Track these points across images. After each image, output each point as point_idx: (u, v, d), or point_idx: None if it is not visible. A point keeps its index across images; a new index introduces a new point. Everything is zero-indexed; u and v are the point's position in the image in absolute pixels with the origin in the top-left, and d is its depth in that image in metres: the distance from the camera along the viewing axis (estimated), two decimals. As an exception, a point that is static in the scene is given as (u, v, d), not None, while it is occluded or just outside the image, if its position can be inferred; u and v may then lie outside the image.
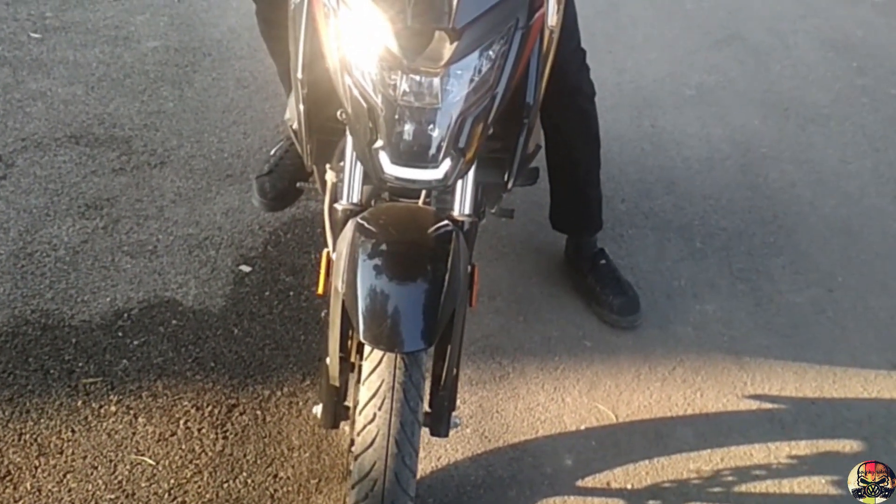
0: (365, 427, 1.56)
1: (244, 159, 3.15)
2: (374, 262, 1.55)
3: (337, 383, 1.74)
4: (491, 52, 1.55)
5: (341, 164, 1.78)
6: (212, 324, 2.54)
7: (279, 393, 2.36)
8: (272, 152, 2.70)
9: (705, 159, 3.48)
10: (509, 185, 1.79)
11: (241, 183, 3.04)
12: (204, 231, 2.82)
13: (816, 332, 2.80)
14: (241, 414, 2.30)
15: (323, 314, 1.87)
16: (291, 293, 2.64)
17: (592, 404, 2.46)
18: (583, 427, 2.40)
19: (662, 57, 4.10)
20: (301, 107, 1.74)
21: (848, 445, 2.43)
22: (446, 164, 1.55)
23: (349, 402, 1.84)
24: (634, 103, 3.70)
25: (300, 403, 2.34)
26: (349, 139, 1.69)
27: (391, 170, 1.56)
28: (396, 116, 1.52)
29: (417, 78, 1.51)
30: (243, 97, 3.48)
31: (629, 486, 2.26)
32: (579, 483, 2.26)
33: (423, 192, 1.78)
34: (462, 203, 1.74)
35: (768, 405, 2.53)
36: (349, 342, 1.74)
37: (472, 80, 1.54)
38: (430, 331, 1.51)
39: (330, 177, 1.82)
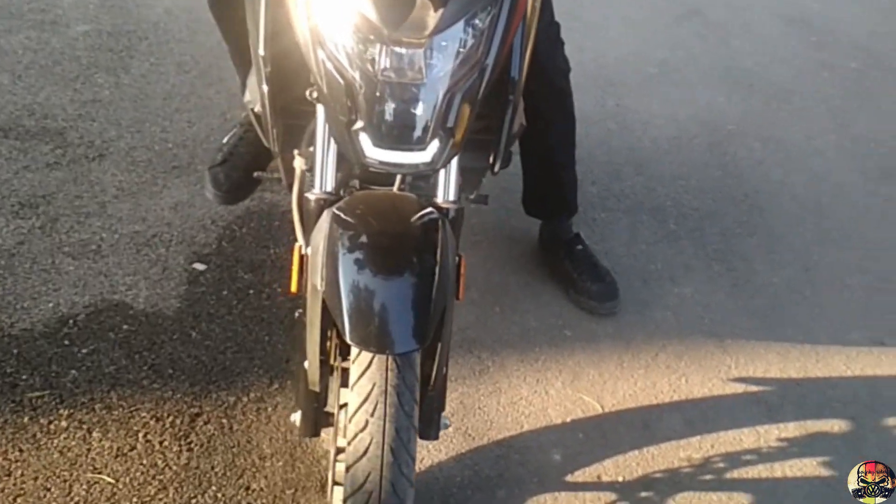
0: (357, 435, 1.42)
1: (190, 149, 2.97)
2: (357, 256, 1.41)
3: (317, 388, 1.61)
4: (478, 21, 1.40)
5: (311, 149, 1.64)
6: (167, 327, 2.37)
7: (245, 399, 2.21)
8: (225, 140, 2.53)
9: (673, 138, 3.39)
10: (496, 168, 1.66)
11: (190, 175, 2.86)
12: (152, 228, 2.65)
13: (795, 312, 2.72)
14: (205, 423, 2.14)
15: (297, 314, 1.73)
16: (251, 291, 2.49)
17: (577, 395, 2.34)
18: (569, 419, 2.28)
19: (623, 35, 4.01)
20: (264, 87, 1.57)
21: (836, 426, 2.36)
22: (434, 146, 1.41)
23: (330, 408, 1.71)
24: (598, 83, 3.59)
25: (269, 409, 2.19)
26: (320, 121, 1.54)
27: (374, 153, 1.41)
28: (377, 94, 1.37)
29: (399, 50, 1.36)
30: (185, 83, 3.29)
31: (620, 479, 2.16)
32: (569, 478, 2.14)
33: (398, 178, 1.64)
34: (446, 189, 1.60)
35: (754, 388, 2.45)
36: (328, 343, 1.59)
37: (458, 53, 1.39)
38: (422, 329, 1.38)
39: (299, 164, 1.67)
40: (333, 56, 1.39)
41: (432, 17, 1.36)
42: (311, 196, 1.56)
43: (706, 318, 2.64)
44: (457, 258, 1.56)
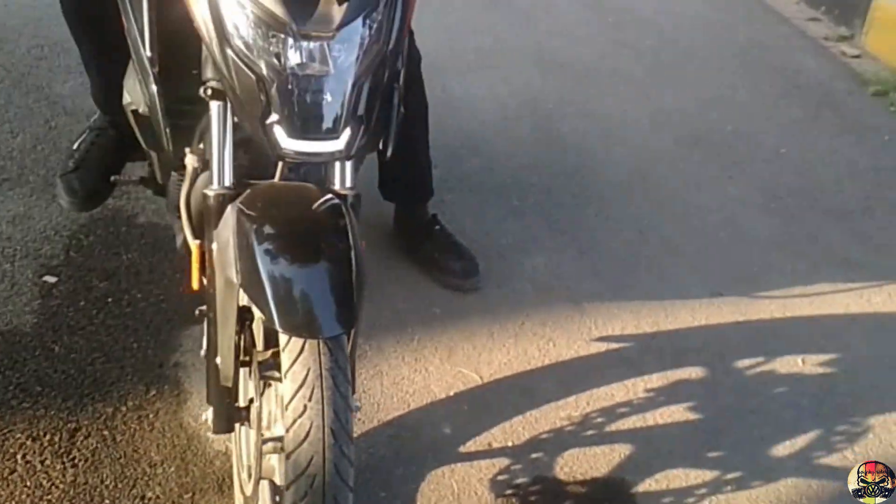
0: (295, 421, 1.41)
1: (18, 160, 2.82)
2: (272, 246, 1.41)
3: (230, 384, 1.60)
4: (377, 13, 1.45)
5: (201, 146, 1.64)
6: (26, 344, 2.25)
7: (124, 408, 2.13)
8: (75, 147, 2.41)
9: (500, 120, 3.52)
10: (388, 154, 1.69)
11: (23, 186, 2.72)
12: (-9, 244, 2.50)
13: (638, 272, 2.90)
14: (86, 437, 2.05)
15: (197, 312, 1.70)
16: (110, 299, 2.39)
17: (455, 369, 2.40)
18: (452, 393, 2.34)
19: (437, 23, 4.08)
20: (153, 88, 1.57)
21: (692, 373, 2.54)
22: (346, 134, 1.44)
23: (241, 403, 1.70)
24: (423, 71, 3.65)
25: (151, 416, 2.13)
26: (214, 118, 1.53)
27: (289, 144, 1.42)
28: (289, 87, 1.39)
29: (308, 44, 1.39)
30: (1, 92, 3.10)
31: (510, 444, 2.23)
32: (462, 449, 2.20)
33: (279, 169, 1.64)
34: (343, 176, 1.61)
35: (615, 346, 2.59)
36: (239, 338, 1.58)
37: (362, 44, 1.43)
38: (349, 311, 1.41)
39: (191, 161, 1.66)
40: (243, 52, 1.39)
41: (337, 11, 1.39)
42: (211, 192, 1.54)
43: (561, 286, 2.77)
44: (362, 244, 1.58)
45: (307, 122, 1.40)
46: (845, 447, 2.36)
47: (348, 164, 1.60)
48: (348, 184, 1.60)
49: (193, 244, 1.59)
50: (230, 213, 1.46)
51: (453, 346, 2.47)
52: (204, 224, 1.57)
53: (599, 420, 2.34)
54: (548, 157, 3.35)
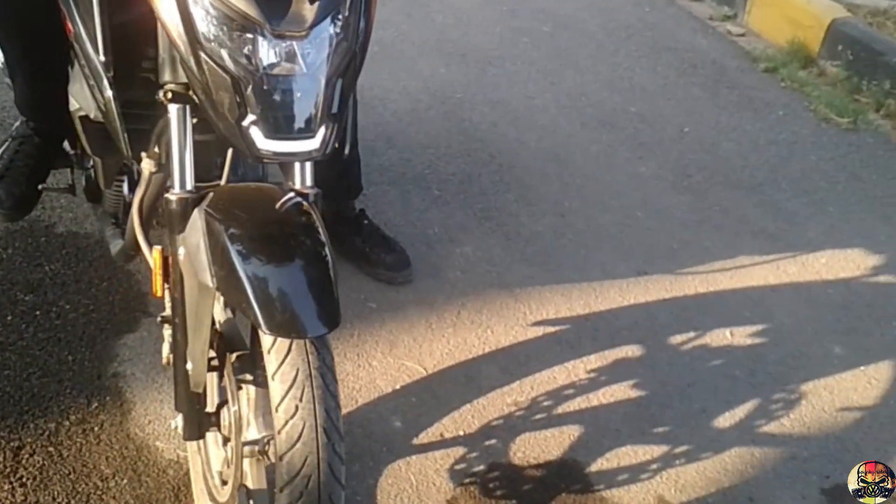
0: (287, 422, 1.37)
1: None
2: (247, 248, 1.36)
3: (201, 389, 1.56)
4: (345, 11, 1.43)
5: (156, 150, 1.58)
6: (-51, 366, 2.11)
7: (67, 423, 2.04)
8: (-2, 156, 2.29)
9: (411, 111, 3.49)
10: (346, 151, 1.66)
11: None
12: None
13: (564, 254, 2.91)
14: (31, 455, 1.94)
15: (159, 318, 1.63)
16: (38, 312, 2.27)
17: (399, 362, 2.37)
18: (398, 386, 2.31)
19: (338, 16, 4.04)
20: (109, 92, 1.51)
21: (629, 351, 2.57)
22: (321, 133, 1.41)
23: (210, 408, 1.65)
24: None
25: (97, 429, 2.04)
26: (174, 121, 1.47)
27: (266, 144, 1.38)
28: (265, 87, 1.36)
29: (283, 43, 1.36)
30: None
31: (461, 433, 2.21)
32: (415, 441, 2.17)
33: (226, 170, 1.59)
34: (304, 175, 1.56)
35: (551, 329, 2.60)
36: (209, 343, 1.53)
37: (332, 41, 1.41)
38: (332, 309, 1.37)
39: (147, 166, 1.59)
40: (216, 54, 1.35)
41: (309, 10, 1.37)
42: (172, 196, 1.49)
43: (492, 272, 2.76)
44: None
45: (283, 122, 1.38)
46: (782, 414, 2.42)
47: (308, 163, 1.55)
48: (308, 182, 1.56)
49: (154, 250, 1.55)
50: (197, 217, 1.42)
51: (394, 340, 2.43)
52: (166, 229, 1.52)
53: (546, 403, 2.34)
54: (462, 146, 3.34)
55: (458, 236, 2.88)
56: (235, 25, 1.34)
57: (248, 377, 1.55)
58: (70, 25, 1.60)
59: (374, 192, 2.97)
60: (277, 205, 1.47)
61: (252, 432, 1.57)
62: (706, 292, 2.86)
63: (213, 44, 1.35)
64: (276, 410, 1.37)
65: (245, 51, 1.35)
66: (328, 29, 1.39)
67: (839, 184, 3.54)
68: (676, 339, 2.64)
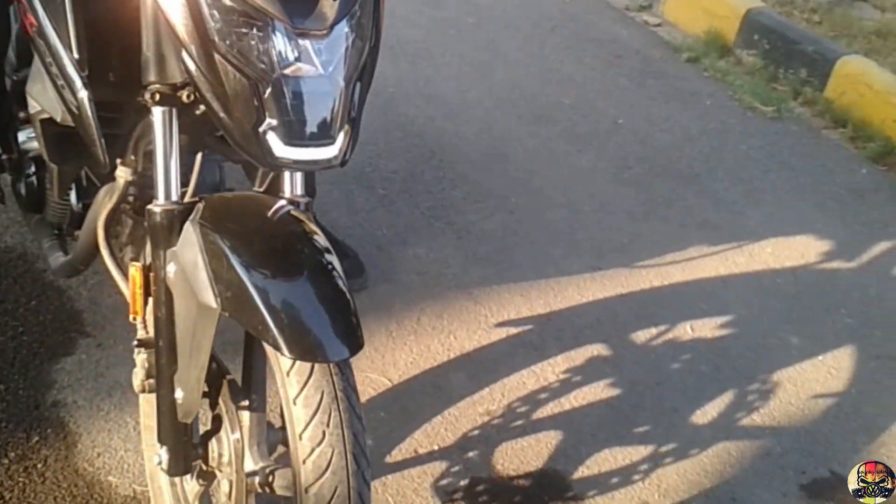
0: (314, 450, 1.26)
1: None
2: (257, 266, 1.25)
3: (190, 419, 1.42)
4: (358, 9, 1.32)
5: (132, 157, 1.45)
6: None
7: (6, 461, 1.87)
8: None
9: (345, 106, 3.34)
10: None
11: None
12: None
13: (518, 253, 2.84)
14: (-32, 502, 1.75)
15: (136, 342, 1.46)
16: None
17: (363, 375, 2.25)
18: (364, 400, 2.17)
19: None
20: (84, 93, 1.37)
21: (594, 351, 2.51)
22: (340, 139, 1.30)
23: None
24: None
25: (39, 465, 1.87)
26: (159, 127, 1.33)
27: (284, 152, 1.26)
28: (284, 90, 1.24)
29: (304, 43, 1.24)
30: None
31: (437, 447, 2.12)
32: (389, 459, 2.07)
33: (194, 179, 1.45)
34: (294, 183, 1.44)
35: (514, 330, 2.52)
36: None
37: (348, 41, 1.29)
38: (355, 329, 1.27)
39: (123, 174, 1.46)
40: (233, 54, 1.23)
41: (329, 7, 1.27)
42: (157, 208, 1.35)
43: (448, 274, 2.67)
44: None
45: (303, 128, 1.26)
46: (751, 409, 2.40)
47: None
48: (299, 190, 1.44)
49: (132, 267, 1.40)
50: (192, 231, 1.30)
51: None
52: (149, 244, 1.38)
53: (520, 410, 2.27)
54: (402, 142, 3.23)
55: (409, 237, 2.77)
56: (254, 24, 1.22)
57: (244, 403, 1.43)
58: (32, 18, 1.43)
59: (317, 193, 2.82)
60: (270, 213, 1.36)
61: (248, 463, 1.44)
62: (660, 286, 2.82)
63: (227, 42, 1.22)
64: (300, 438, 1.27)
65: (263, 51, 1.23)
66: (345, 28, 1.28)
67: (771, 172, 3.56)
68: (639, 336, 2.59)
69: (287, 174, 1.43)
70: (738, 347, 2.60)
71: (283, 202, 1.39)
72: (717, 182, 3.41)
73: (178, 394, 1.39)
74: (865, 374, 2.56)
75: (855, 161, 3.75)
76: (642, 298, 2.75)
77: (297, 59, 1.24)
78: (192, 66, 1.23)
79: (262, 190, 1.73)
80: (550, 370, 2.40)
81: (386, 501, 1.96)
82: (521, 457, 2.13)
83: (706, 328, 2.66)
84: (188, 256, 1.29)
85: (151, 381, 1.46)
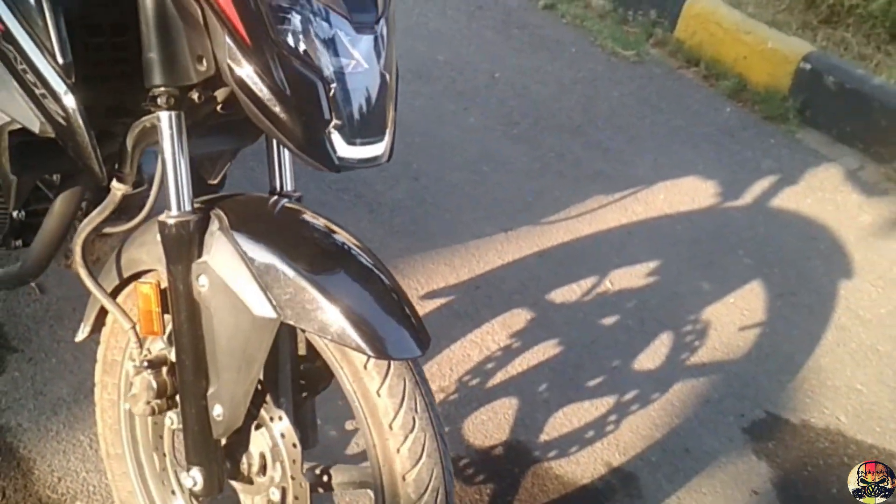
0: (408, 437, 1.26)
1: None
2: (315, 271, 1.21)
3: (227, 434, 1.36)
4: (392, 1, 1.28)
5: (128, 167, 1.33)
6: None
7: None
8: None
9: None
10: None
11: None
12: None
13: (431, 221, 2.82)
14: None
15: (145, 363, 1.35)
16: None
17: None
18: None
19: None
20: (71, 99, 1.25)
21: (527, 315, 2.52)
22: (388, 136, 1.26)
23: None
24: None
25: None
26: (167, 132, 1.24)
27: (347, 151, 1.21)
28: (347, 87, 1.19)
29: (361, 38, 1.20)
30: None
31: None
32: (348, 452, 2.00)
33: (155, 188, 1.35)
34: (286, 177, 1.43)
35: (445, 300, 2.51)
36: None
37: (387, 35, 1.26)
38: (419, 322, 1.27)
39: (121, 188, 1.34)
40: (297, 53, 1.15)
41: (373, 1, 1.23)
42: (171, 219, 1.27)
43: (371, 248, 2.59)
44: None
45: (362, 125, 1.21)
46: (683, 359, 2.48)
47: (288, 163, 1.44)
48: (289, 186, 1.44)
49: (144, 285, 1.34)
50: (225, 241, 1.25)
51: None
52: (163, 256, 1.30)
53: (472, 384, 2.26)
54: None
55: (319, 212, 2.66)
56: (316, 21, 1.16)
57: (281, 407, 1.39)
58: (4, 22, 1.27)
59: (220, 173, 2.67)
60: (283, 212, 1.35)
61: (276, 466, 1.40)
62: (570, 240, 2.87)
63: (291, 42, 1.15)
64: (391, 428, 1.25)
65: (326, 48, 1.17)
66: (386, 21, 1.24)
67: (646, 118, 3.66)
68: (563, 295, 2.62)
69: (277, 170, 1.42)
70: (656, 298, 2.68)
71: (285, 199, 1.38)
72: (600, 132, 3.47)
73: (217, 410, 1.32)
74: (774, 312, 2.69)
75: (717, 100, 3.90)
76: (557, 256, 2.78)
77: (358, 56, 1.19)
78: (244, 69, 1.14)
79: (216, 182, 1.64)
80: (490, 339, 2.39)
81: (363, 492, 1.90)
82: (483, 432, 2.12)
83: (623, 281, 2.72)
84: (227, 268, 1.24)
85: (160, 401, 1.39)
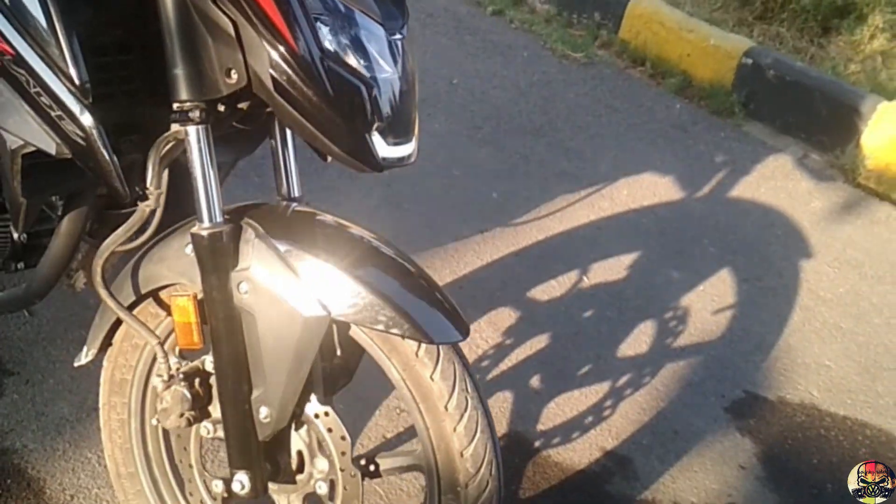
0: (463, 416, 1.34)
1: None
2: (354, 266, 1.28)
3: (272, 435, 1.40)
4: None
5: (154, 183, 1.34)
6: None
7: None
8: None
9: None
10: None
11: None
12: None
13: (409, 226, 2.88)
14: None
15: (180, 375, 1.39)
16: None
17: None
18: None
19: None
20: (90, 121, 1.27)
21: (510, 312, 2.60)
22: (415, 135, 1.35)
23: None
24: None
25: None
26: (195, 146, 1.27)
27: (387, 151, 1.28)
28: (384, 90, 1.26)
29: (395, 43, 1.28)
30: None
31: (401, 429, 2.12)
32: (355, 452, 2.05)
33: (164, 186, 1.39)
34: (290, 182, 1.50)
35: (432, 303, 2.55)
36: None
37: (410, 41, 1.35)
38: (454, 304, 1.35)
39: (149, 206, 1.35)
40: (340, 59, 1.22)
41: (399, 7, 1.32)
42: (204, 231, 1.30)
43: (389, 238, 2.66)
44: None
45: (398, 126, 1.29)
46: (663, 346, 2.59)
47: (295, 168, 1.51)
48: (299, 190, 1.51)
49: (181, 299, 1.36)
50: (265, 248, 1.30)
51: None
52: (189, 268, 1.34)
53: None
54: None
55: (333, 212, 2.71)
56: (357, 27, 1.23)
57: (322, 413, 1.43)
58: (5, 47, 1.29)
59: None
60: (317, 218, 1.41)
61: (321, 460, 1.46)
62: (544, 239, 2.95)
63: (334, 49, 1.21)
64: (446, 409, 1.33)
65: (367, 53, 1.24)
66: (407, 28, 1.33)
67: (602, 117, 3.77)
68: (544, 292, 2.70)
69: (285, 177, 1.49)
70: (631, 288, 2.78)
71: (299, 204, 1.46)
72: (560, 132, 3.57)
73: (263, 413, 1.37)
74: (742, 297, 2.81)
75: (666, 98, 4.04)
76: (532, 255, 2.87)
77: (391, 59, 1.26)
78: (289, 76, 1.19)
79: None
80: (479, 336, 2.46)
81: (374, 492, 1.97)
82: (483, 426, 2.18)
83: (599, 274, 2.82)
84: (270, 274, 1.29)
85: (194, 412, 1.43)
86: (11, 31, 1.28)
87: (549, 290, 2.72)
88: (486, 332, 2.48)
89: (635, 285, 2.79)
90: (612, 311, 2.67)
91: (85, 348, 1.52)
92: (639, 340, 2.57)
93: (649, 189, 3.31)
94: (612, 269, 2.86)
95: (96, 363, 1.54)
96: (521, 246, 2.88)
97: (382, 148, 1.27)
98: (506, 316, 2.57)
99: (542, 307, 2.64)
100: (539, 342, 2.50)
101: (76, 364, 1.52)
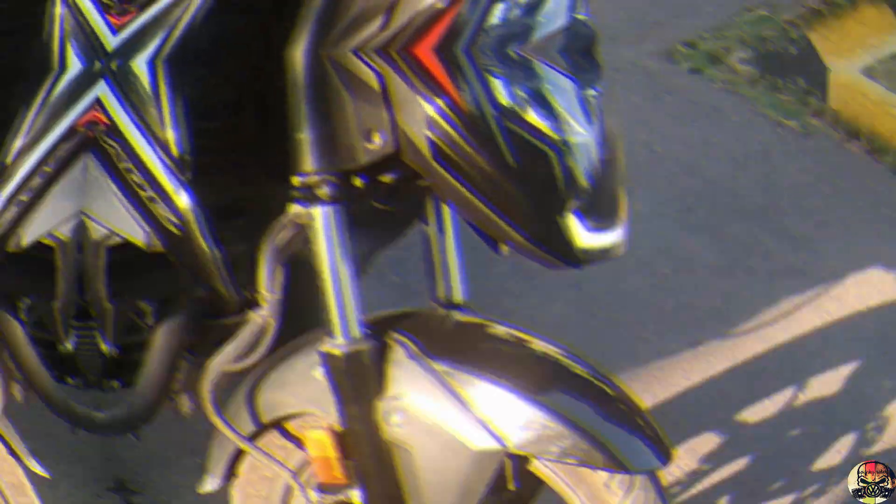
0: None
1: None
2: (531, 389, 1.14)
3: None
4: None
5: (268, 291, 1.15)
6: None
7: None
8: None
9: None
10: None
11: None
12: None
13: (604, 338, 2.62)
14: None
15: None
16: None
17: None
18: None
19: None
20: (188, 202, 1.08)
21: (709, 438, 2.37)
22: (623, 220, 1.13)
23: None
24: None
25: None
26: (323, 232, 1.08)
27: (587, 239, 1.07)
28: (580, 158, 1.04)
29: (588, 99, 1.06)
30: None
31: None
32: None
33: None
34: (450, 283, 1.29)
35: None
36: None
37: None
38: (655, 426, 1.23)
39: (264, 314, 1.15)
40: (521, 117, 1.00)
41: (598, 54, 1.15)
42: (338, 350, 1.13)
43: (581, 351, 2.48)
44: None
45: (601, 206, 1.09)
46: (863, 449, 2.37)
47: (459, 268, 1.31)
48: (462, 293, 1.31)
49: (316, 432, 1.20)
50: (419, 370, 1.14)
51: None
52: (322, 395, 1.18)
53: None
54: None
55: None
56: (536, 78, 1.00)
57: None
58: (100, 115, 1.09)
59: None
60: (470, 322, 1.25)
61: None
62: (765, 351, 2.65)
63: (513, 105, 0.99)
64: None
65: (549, 112, 1.01)
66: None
67: (830, 198, 3.40)
68: (755, 412, 2.46)
69: (443, 275, 1.28)
70: (844, 401, 2.51)
71: (460, 310, 1.28)
72: (786, 216, 3.23)
73: None
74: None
75: (887, 177, 3.62)
76: (751, 370, 2.59)
77: (582, 120, 1.03)
78: (454, 140, 0.97)
79: None
80: (674, 465, 2.21)
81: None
82: None
83: (815, 389, 2.53)
84: (429, 402, 1.14)
85: None
86: (112, 98, 1.08)
87: (760, 411, 2.46)
88: (683, 460, 2.24)
89: (848, 398, 2.52)
90: (820, 427, 2.42)
91: (207, 476, 1.36)
92: (835, 452, 2.34)
93: (876, 287, 2.94)
94: (829, 382, 2.56)
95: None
96: (736, 362, 2.60)
97: (581, 235, 1.04)
98: (708, 441, 2.34)
99: (749, 429, 2.40)
100: (737, 465, 2.28)
101: (204, 489, 1.38)
